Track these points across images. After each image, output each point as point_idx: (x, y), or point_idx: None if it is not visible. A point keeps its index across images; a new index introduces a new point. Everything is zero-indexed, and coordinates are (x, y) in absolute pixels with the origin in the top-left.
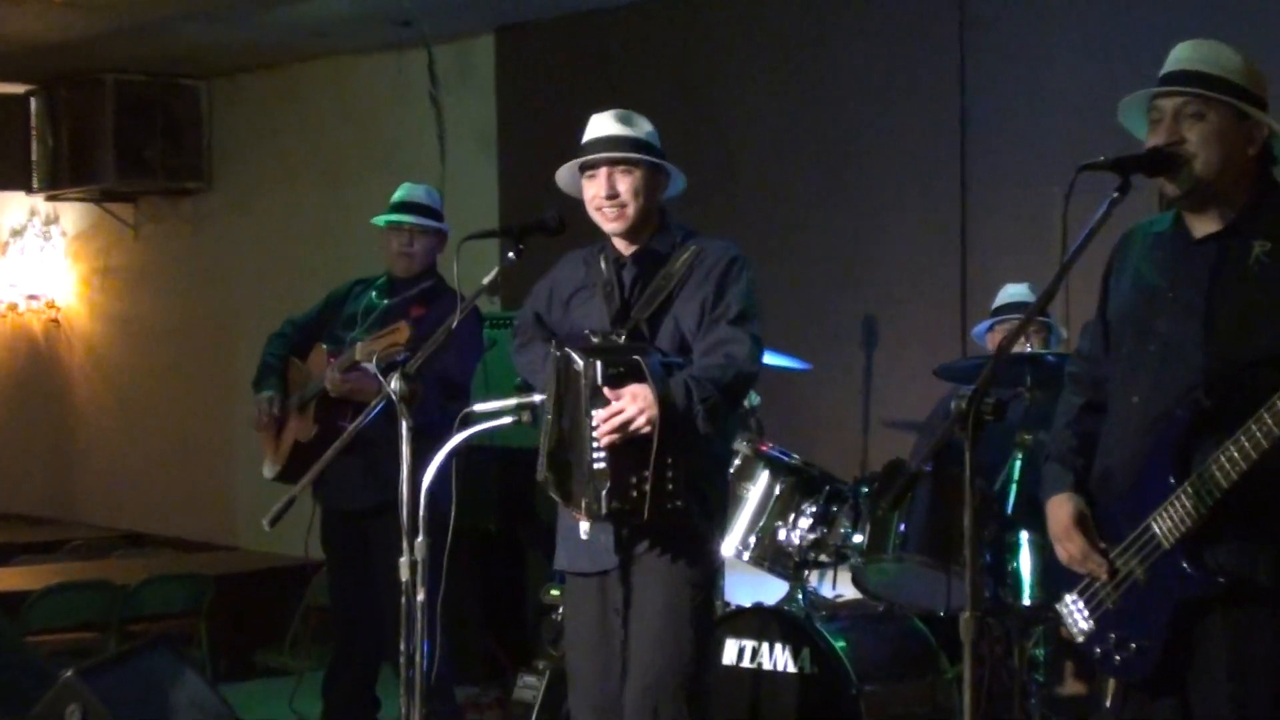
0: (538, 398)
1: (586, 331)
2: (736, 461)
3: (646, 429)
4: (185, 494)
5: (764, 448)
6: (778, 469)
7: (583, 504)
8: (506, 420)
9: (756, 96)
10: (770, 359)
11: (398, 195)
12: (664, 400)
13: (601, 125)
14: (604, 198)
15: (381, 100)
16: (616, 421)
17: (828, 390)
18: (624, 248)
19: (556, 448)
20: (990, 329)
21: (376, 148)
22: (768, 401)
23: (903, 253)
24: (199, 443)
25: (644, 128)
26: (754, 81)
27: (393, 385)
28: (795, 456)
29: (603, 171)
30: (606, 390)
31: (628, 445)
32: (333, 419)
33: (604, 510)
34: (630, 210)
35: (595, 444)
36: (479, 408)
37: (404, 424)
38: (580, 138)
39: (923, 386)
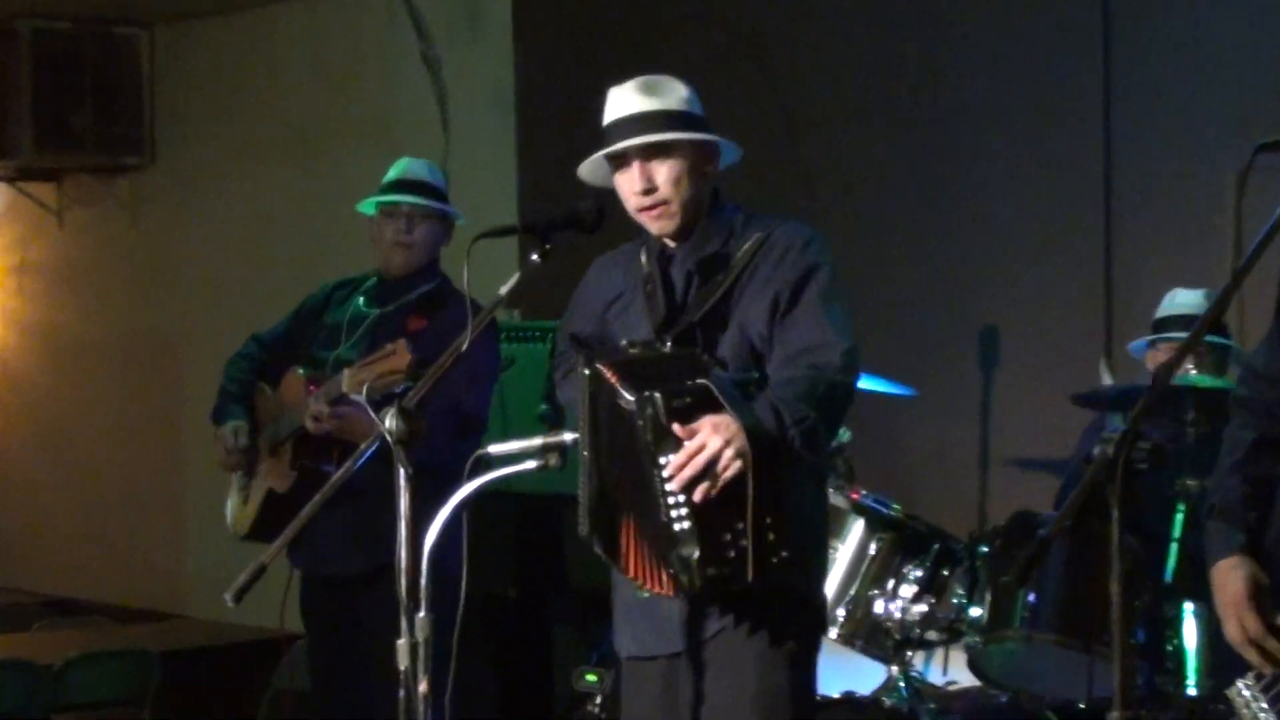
0: (568, 436)
1: (623, 342)
2: None
3: (737, 467)
4: (123, 551)
5: (856, 496)
6: (874, 523)
7: (668, 579)
8: (530, 465)
9: (835, 56)
10: (862, 383)
11: (392, 173)
12: (752, 429)
13: (622, 101)
14: (640, 194)
15: (369, 55)
16: (699, 464)
17: (935, 422)
18: (669, 238)
19: (599, 497)
20: (1151, 346)
21: (363, 115)
22: (860, 437)
23: (1030, 249)
24: (140, 487)
25: (676, 93)
26: (832, 37)
27: (388, 424)
28: (895, 507)
29: (634, 162)
30: (676, 427)
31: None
32: (314, 463)
33: (700, 582)
34: (675, 205)
35: (673, 499)
36: (495, 450)
37: (401, 473)
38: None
39: (1057, 416)
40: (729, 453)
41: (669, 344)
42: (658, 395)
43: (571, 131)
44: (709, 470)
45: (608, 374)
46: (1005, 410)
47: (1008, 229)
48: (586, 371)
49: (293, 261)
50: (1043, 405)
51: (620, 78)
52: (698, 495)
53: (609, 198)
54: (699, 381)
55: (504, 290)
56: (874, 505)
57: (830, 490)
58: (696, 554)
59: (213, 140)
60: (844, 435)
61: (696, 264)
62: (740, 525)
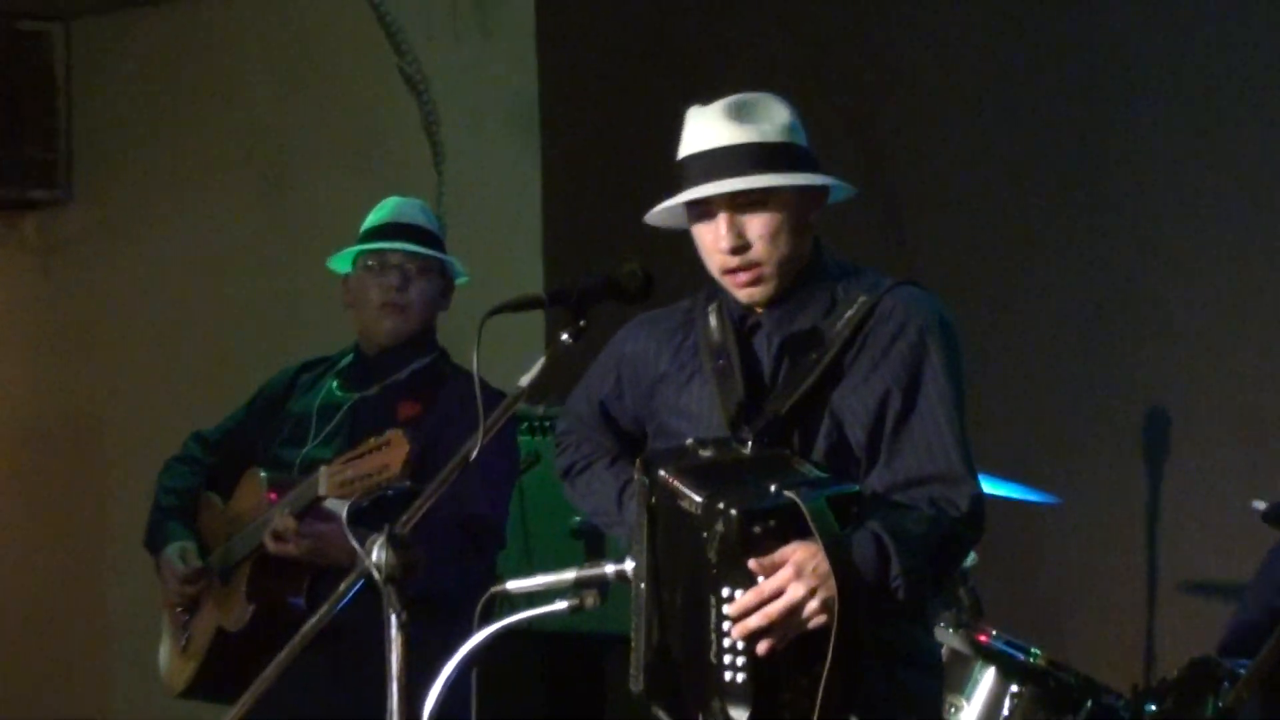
0: (610, 568)
1: (690, 442)
2: None
3: (819, 621)
4: (35, 677)
5: (984, 638)
6: (1008, 672)
7: None
8: (560, 606)
9: (943, 60)
10: (989, 489)
11: (376, 215)
12: (846, 575)
13: (705, 128)
14: (727, 253)
15: (348, 58)
16: (773, 615)
17: (1086, 538)
18: (758, 306)
19: (662, 644)
20: None
21: (342, 136)
22: (988, 560)
23: (1209, 307)
24: (51, 601)
25: (776, 118)
26: (944, 35)
27: (374, 557)
28: (1036, 652)
29: (720, 213)
30: (752, 562)
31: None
32: (277, 593)
33: None
34: (771, 267)
35: (729, 642)
36: (515, 586)
37: (393, 619)
38: (681, 117)
39: (1248, 529)
40: (813, 604)
41: (750, 443)
42: (734, 512)
43: (618, 158)
44: (787, 619)
45: (672, 481)
46: (1178, 520)
47: (1179, 285)
48: (646, 480)
49: (250, 321)
50: (1229, 514)
51: (680, 87)
52: (762, 647)
53: (665, 253)
54: (785, 496)
55: (525, 381)
56: (1007, 650)
57: (949, 630)
58: (746, 716)
59: (147, 167)
60: (969, 558)
61: (788, 339)
62: (803, 680)
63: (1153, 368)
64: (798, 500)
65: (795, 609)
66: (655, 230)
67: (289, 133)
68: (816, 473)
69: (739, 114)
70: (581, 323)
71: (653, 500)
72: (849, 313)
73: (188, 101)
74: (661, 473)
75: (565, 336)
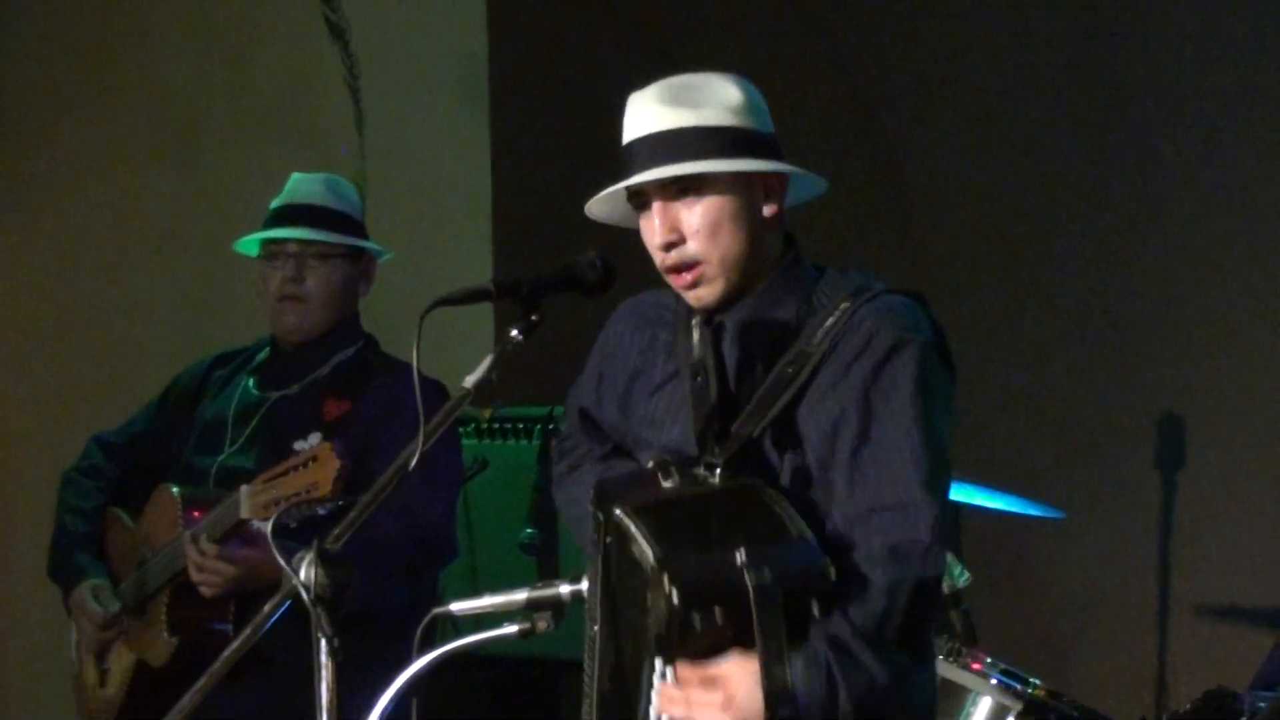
0: (564, 588)
1: (652, 464)
2: None
3: None
4: None
5: (978, 666)
6: (1005, 703)
7: None
8: (509, 630)
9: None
10: (988, 502)
11: (280, 196)
12: (778, 704)
13: (642, 113)
14: (660, 248)
15: (267, 9)
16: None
17: (1091, 556)
18: (708, 309)
19: (612, 695)
20: None
21: (269, 104)
22: (984, 579)
23: (1226, 311)
24: None
25: (720, 99)
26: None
27: (302, 575)
28: (1035, 682)
29: (654, 203)
30: (681, 669)
31: None
32: (201, 622)
33: None
34: (713, 266)
35: (654, 713)
36: (459, 608)
37: (323, 644)
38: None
39: (1268, 547)
40: None
41: (718, 470)
42: (675, 600)
43: (577, 131)
44: None
45: (626, 522)
46: (1194, 538)
47: (1198, 289)
48: (600, 516)
49: (160, 310)
50: (1250, 531)
51: (651, 51)
52: None
53: (630, 240)
54: (739, 579)
55: (470, 381)
56: (1004, 679)
57: (941, 657)
58: None
59: (50, 141)
60: (961, 577)
61: (756, 340)
62: None
63: (1167, 373)
64: (753, 590)
65: None
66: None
67: (202, 98)
68: (790, 523)
69: (677, 96)
70: (534, 317)
71: (607, 540)
72: (829, 321)
73: (89, 68)
74: (617, 511)
75: (515, 333)
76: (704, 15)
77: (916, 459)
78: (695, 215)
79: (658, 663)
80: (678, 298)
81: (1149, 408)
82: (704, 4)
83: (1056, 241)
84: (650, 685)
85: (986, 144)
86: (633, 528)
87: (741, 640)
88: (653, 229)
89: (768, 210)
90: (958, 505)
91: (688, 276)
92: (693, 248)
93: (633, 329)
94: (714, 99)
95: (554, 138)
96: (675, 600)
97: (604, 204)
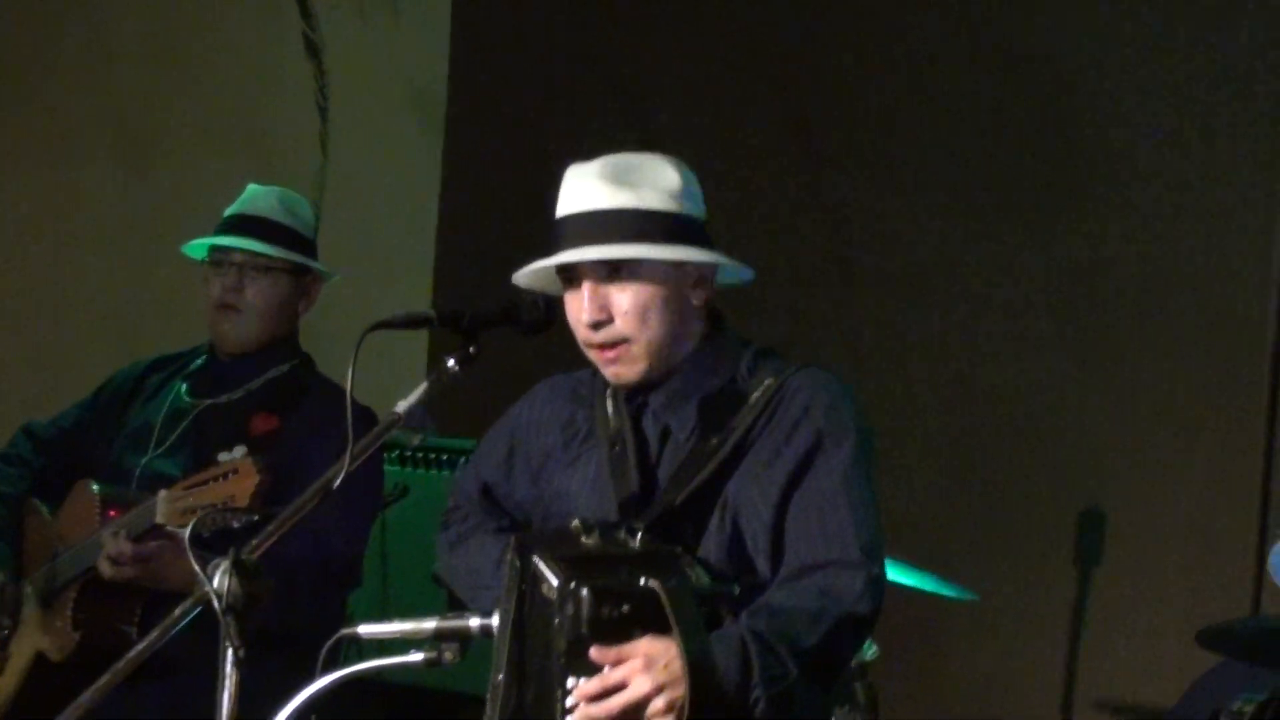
0: (474, 621)
1: (576, 523)
2: None
3: None
4: None
5: None
6: None
7: None
8: (415, 657)
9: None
10: (902, 578)
11: (233, 205)
12: (701, 677)
13: (580, 188)
14: (588, 326)
15: (236, 27)
16: (612, 709)
17: (1003, 639)
18: (628, 387)
19: None
20: None
21: (224, 114)
22: (891, 653)
23: (1157, 415)
24: None
25: (659, 181)
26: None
27: (215, 583)
28: None
29: (585, 283)
30: (594, 650)
31: None
32: (107, 622)
33: None
34: (639, 346)
35: None
36: (367, 631)
37: (230, 653)
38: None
39: (1176, 649)
40: (659, 703)
41: (639, 535)
42: (584, 591)
43: (528, 167)
44: (625, 717)
45: (540, 566)
46: (1104, 633)
47: (1131, 391)
48: (518, 563)
49: (97, 311)
50: (1158, 630)
51: (606, 97)
52: None
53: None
54: (646, 584)
55: (401, 407)
56: None
57: None
58: None
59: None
60: (869, 650)
61: (679, 415)
62: None
63: (1092, 469)
64: (659, 588)
65: (638, 705)
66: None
67: (158, 101)
68: (703, 575)
69: (617, 176)
70: (472, 349)
71: (521, 588)
72: (753, 397)
73: (42, 58)
74: (535, 558)
75: (451, 363)
76: (664, 67)
77: (856, 523)
78: (625, 297)
79: (569, 682)
80: (594, 374)
81: (1072, 501)
82: (665, 56)
83: (986, 331)
84: (564, 709)
85: (926, 233)
86: (546, 569)
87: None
88: (580, 306)
89: (696, 298)
90: None
91: (611, 354)
92: (620, 327)
93: (550, 406)
94: (654, 182)
95: (504, 173)
96: (584, 594)
97: (534, 276)
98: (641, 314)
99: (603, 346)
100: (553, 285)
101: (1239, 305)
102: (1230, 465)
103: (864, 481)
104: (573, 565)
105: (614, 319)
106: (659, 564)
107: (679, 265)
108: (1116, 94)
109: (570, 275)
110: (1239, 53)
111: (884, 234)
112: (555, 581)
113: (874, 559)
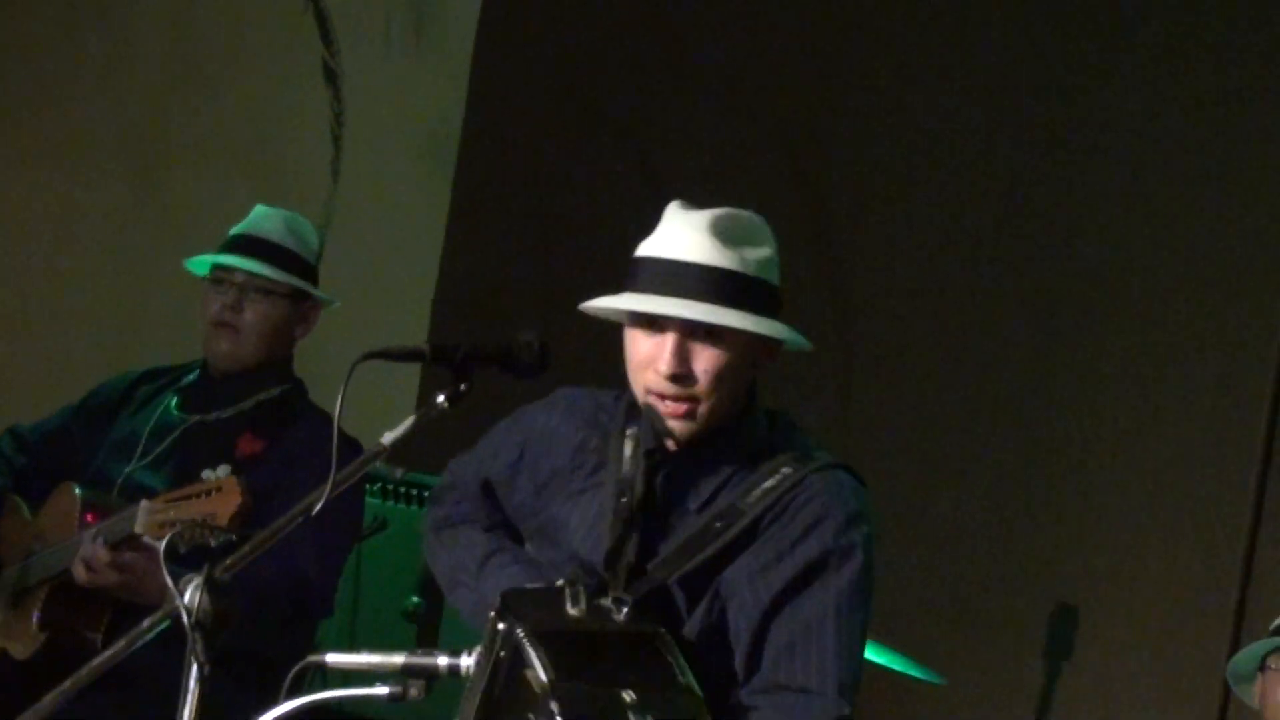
0: (443, 660)
1: (562, 582)
2: None
3: None
4: None
5: None
6: None
7: None
8: (380, 691)
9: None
10: (871, 655)
11: (239, 225)
12: None
13: (684, 235)
14: (666, 378)
15: (250, 43)
16: None
17: None
18: (676, 441)
19: None
20: (1261, 669)
21: (232, 129)
22: None
23: (1136, 514)
24: None
25: (757, 248)
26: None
27: (186, 598)
28: None
29: (670, 334)
30: None
31: None
32: (73, 627)
33: None
34: (707, 406)
35: None
36: (334, 660)
37: (194, 669)
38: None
39: None
40: None
41: (624, 608)
42: (553, 703)
43: (534, 213)
44: None
45: (527, 646)
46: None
47: (1118, 477)
48: (502, 627)
49: (95, 320)
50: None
51: (616, 150)
52: None
53: (565, 326)
54: (627, 716)
55: (388, 439)
56: None
57: None
58: None
59: (5, 127)
60: None
61: (690, 480)
62: None
63: (1070, 565)
64: None
65: None
66: (557, 300)
67: (172, 118)
68: (680, 673)
69: (726, 233)
70: (463, 386)
71: (500, 653)
72: (767, 483)
73: (60, 63)
74: (519, 632)
75: (441, 399)
76: (676, 125)
77: (839, 657)
78: (708, 358)
79: None
80: (616, 400)
81: (1047, 595)
82: (678, 109)
83: (976, 421)
84: None
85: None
86: (533, 652)
87: None
88: (658, 354)
89: (760, 366)
90: None
91: (682, 408)
92: (699, 388)
93: (567, 423)
94: (754, 245)
95: (510, 216)
96: (554, 708)
97: (609, 306)
98: (719, 378)
99: (674, 399)
100: (614, 314)
101: (1231, 417)
102: (1209, 576)
103: (858, 612)
104: (562, 660)
105: (694, 376)
106: (640, 664)
107: (760, 337)
108: (1123, 176)
109: (654, 318)
110: (1247, 124)
111: (884, 311)
112: (545, 679)
113: (846, 698)
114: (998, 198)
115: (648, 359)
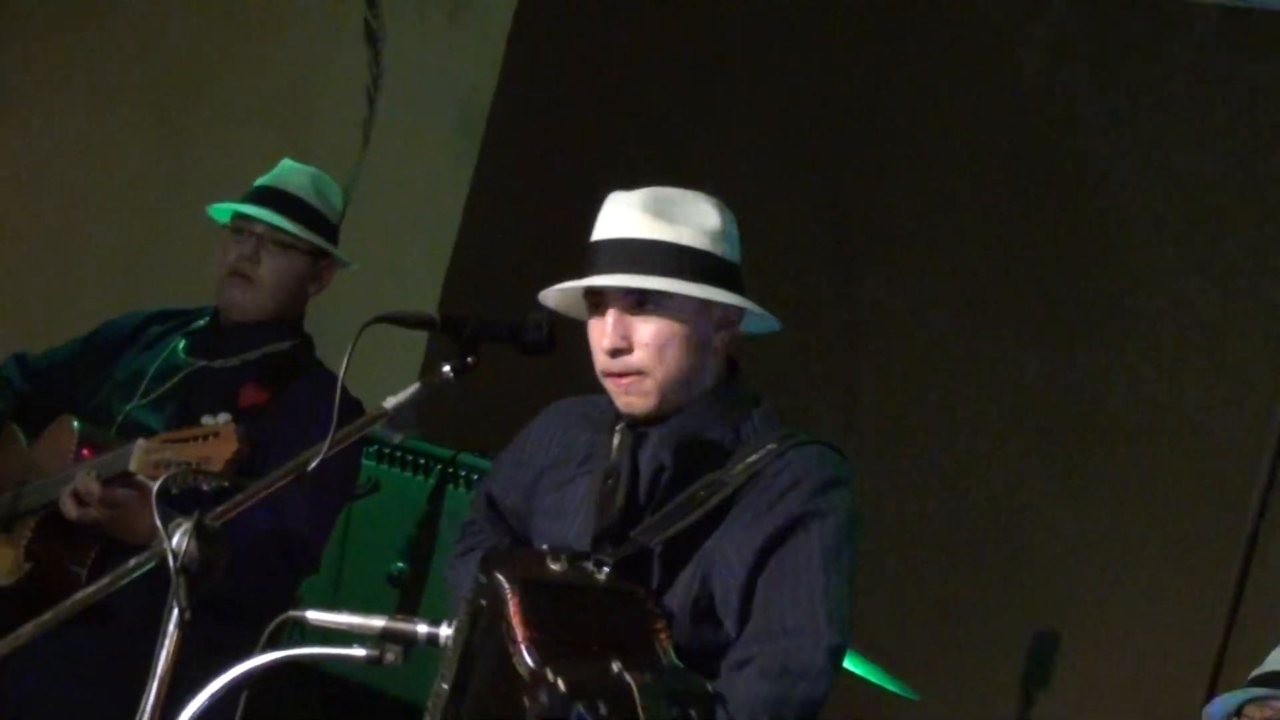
0: (421, 627)
1: (546, 547)
2: None
3: None
4: None
5: None
6: None
7: None
8: (358, 652)
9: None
10: (846, 663)
11: (264, 177)
12: None
13: (619, 215)
14: (607, 353)
15: (291, 6)
16: None
17: None
18: (638, 419)
19: None
20: (1237, 716)
21: (268, 86)
22: None
23: (1121, 543)
24: None
25: (699, 219)
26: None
27: (174, 541)
28: None
29: (610, 310)
30: None
31: None
32: (59, 558)
33: None
34: (653, 380)
35: None
36: (314, 617)
37: (174, 616)
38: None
39: None
40: None
41: (605, 569)
42: (561, 682)
43: (557, 192)
44: None
45: (510, 603)
46: None
47: (1109, 509)
48: (483, 578)
49: (113, 254)
50: None
51: (643, 136)
52: None
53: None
54: (626, 682)
55: (390, 403)
56: None
57: None
58: None
59: (32, 57)
60: None
61: (676, 456)
62: None
63: (1055, 591)
64: (633, 684)
65: None
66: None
67: (205, 61)
68: (662, 654)
69: (658, 209)
70: (470, 359)
71: (481, 603)
72: (752, 457)
73: (85, 11)
74: (498, 575)
75: (447, 369)
76: (707, 113)
77: (829, 593)
78: (647, 329)
79: None
80: (609, 402)
81: (1030, 619)
82: (709, 102)
83: (974, 441)
84: None
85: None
86: (514, 607)
87: None
88: (602, 332)
89: (718, 340)
90: None
91: (624, 382)
92: (638, 359)
93: (559, 426)
94: (693, 219)
95: (532, 192)
96: (562, 688)
97: (562, 297)
98: (660, 348)
99: (618, 375)
100: (577, 308)
101: (1229, 462)
102: (1193, 615)
103: (843, 555)
104: (543, 619)
105: (633, 349)
106: (628, 609)
107: (705, 305)
108: (1140, 227)
109: (597, 301)
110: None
111: (889, 331)
112: (530, 662)
113: (836, 628)
114: (1011, 211)
115: (596, 342)
